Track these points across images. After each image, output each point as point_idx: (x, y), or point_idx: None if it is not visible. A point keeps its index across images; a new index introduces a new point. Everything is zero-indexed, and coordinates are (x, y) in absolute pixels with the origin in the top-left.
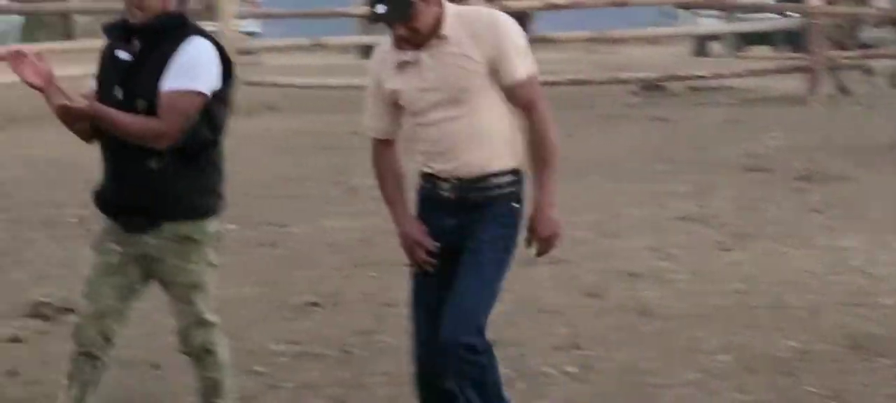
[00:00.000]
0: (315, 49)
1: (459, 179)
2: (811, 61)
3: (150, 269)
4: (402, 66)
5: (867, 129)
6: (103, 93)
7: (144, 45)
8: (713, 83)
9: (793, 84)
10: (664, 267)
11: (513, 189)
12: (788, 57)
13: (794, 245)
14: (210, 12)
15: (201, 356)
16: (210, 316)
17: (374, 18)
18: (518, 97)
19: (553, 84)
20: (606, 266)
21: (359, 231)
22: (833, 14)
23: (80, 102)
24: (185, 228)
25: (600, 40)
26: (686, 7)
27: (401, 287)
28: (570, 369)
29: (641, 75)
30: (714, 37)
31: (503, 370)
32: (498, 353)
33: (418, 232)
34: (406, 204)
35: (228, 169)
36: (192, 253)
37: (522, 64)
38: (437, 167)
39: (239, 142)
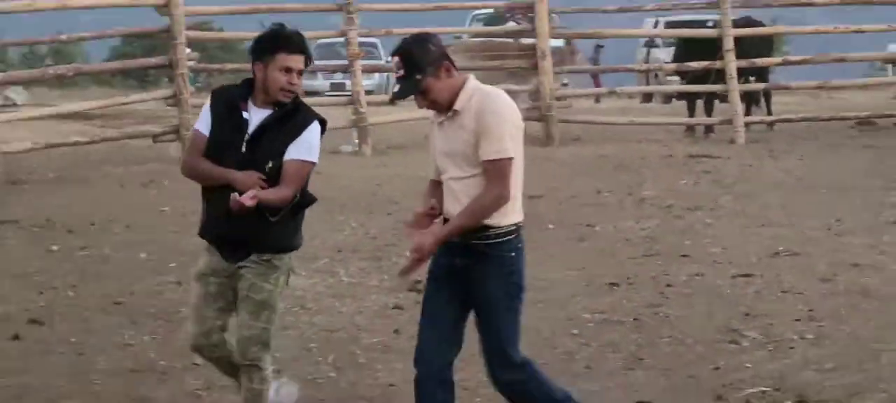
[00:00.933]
0: (610, 95)
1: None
2: None
3: (236, 287)
4: (436, 125)
5: None
6: (223, 148)
7: (277, 119)
8: None
9: None
10: (881, 260)
11: (509, 239)
12: None
13: None
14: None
15: (251, 369)
16: (269, 339)
17: (393, 96)
18: (485, 170)
19: (789, 121)
20: (834, 258)
21: (647, 230)
22: None
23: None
24: (271, 256)
25: (825, 88)
26: (893, 62)
27: (680, 272)
28: (808, 336)
29: (857, 114)
30: None
31: (756, 336)
32: (751, 325)
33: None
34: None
35: (551, 186)
36: (270, 276)
37: (497, 147)
38: (451, 215)
39: (555, 165)
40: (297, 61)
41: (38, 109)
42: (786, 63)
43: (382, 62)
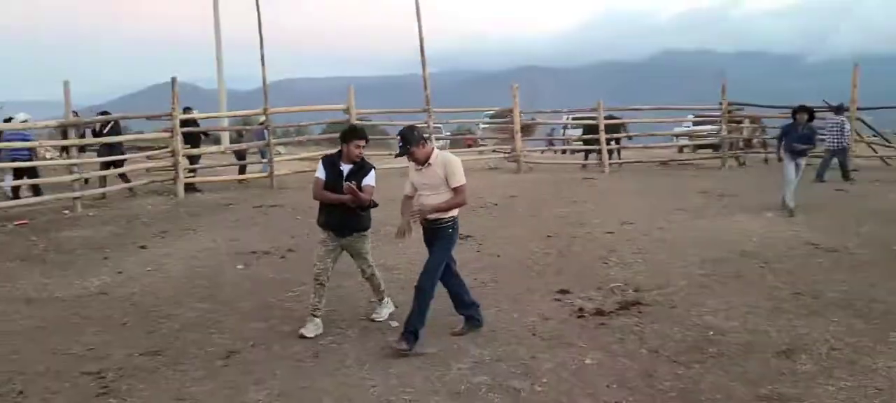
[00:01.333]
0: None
1: (428, 221)
2: None
3: (347, 249)
4: (417, 171)
5: None
6: (333, 184)
7: (354, 170)
8: None
9: None
10: (670, 226)
11: (450, 225)
12: None
13: None
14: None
15: (371, 278)
16: (371, 265)
17: (396, 155)
18: (453, 191)
19: (629, 162)
20: (650, 225)
21: (564, 212)
22: None
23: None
24: (363, 232)
25: (646, 147)
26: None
27: (579, 232)
28: (638, 261)
29: (661, 159)
30: None
31: (614, 260)
32: (612, 256)
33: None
34: (407, 214)
35: (520, 191)
36: (365, 242)
37: (459, 177)
38: (426, 204)
39: (522, 182)
40: (359, 143)
41: (289, 155)
42: (628, 136)
43: (444, 134)
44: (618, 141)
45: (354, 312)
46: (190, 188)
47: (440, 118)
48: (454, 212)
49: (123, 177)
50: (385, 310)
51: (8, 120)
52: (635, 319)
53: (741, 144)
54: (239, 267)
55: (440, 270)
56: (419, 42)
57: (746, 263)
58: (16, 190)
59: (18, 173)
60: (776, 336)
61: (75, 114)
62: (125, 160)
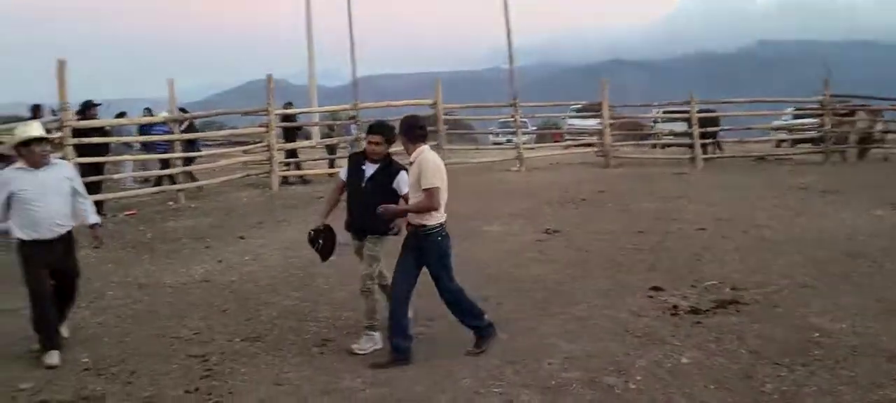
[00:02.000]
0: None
1: (413, 225)
2: None
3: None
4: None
5: None
6: (354, 181)
7: (380, 169)
8: None
9: None
10: (771, 223)
11: (437, 232)
12: None
13: None
14: None
15: (367, 293)
16: (373, 277)
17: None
18: (423, 192)
19: (723, 157)
20: (749, 222)
21: (655, 207)
22: None
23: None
24: (379, 235)
25: (740, 142)
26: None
27: (671, 227)
28: (735, 257)
29: (756, 154)
30: None
31: (709, 257)
32: (706, 252)
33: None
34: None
35: (608, 186)
36: (377, 245)
37: (428, 180)
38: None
39: (611, 176)
40: (372, 138)
41: None
42: (722, 130)
43: (530, 128)
44: (715, 135)
45: (441, 305)
46: (291, 180)
47: (526, 112)
48: (440, 218)
49: (191, 175)
50: (368, 344)
51: (121, 115)
52: (734, 318)
53: (854, 139)
54: (332, 257)
55: (449, 274)
56: (506, 36)
57: (854, 263)
58: (159, 179)
59: (164, 164)
60: (888, 340)
61: (149, 111)
62: (195, 158)
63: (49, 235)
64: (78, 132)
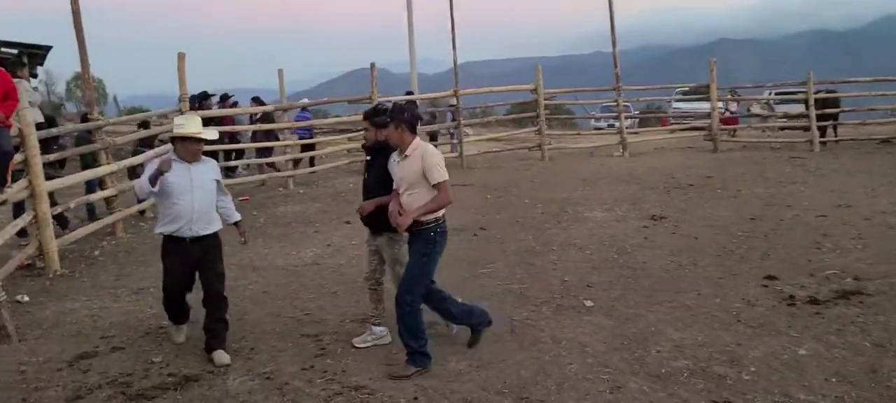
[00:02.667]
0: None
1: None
2: None
3: (382, 252)
4: (397, 162)
5: None
6: (364, 177)
7: (374, 156)
8: None
9: None
10: None
11: (433, 227)
12: None
13: None
14: None
15: (375, 288)
16: (399, 271)
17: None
18: (434, 188)
19: (841, 140)
20: (871, 209)
21: (768, 193)
22: None
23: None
24: (389, 234)
25: (863, 123)
26: None
27: (786, 214)
28: (857, 247)
29: (880, 137)
30: None
31: (829, 246)
32: (825, 241)
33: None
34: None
35: (718, 171)
36: (395, 244)
37: (438, 174)
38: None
39: (720, 161)
40: (367, 125)
41: (476, 136)
42: (843, 111)
43: (632, 113)
44: (835, 117)
45: (548, 290)
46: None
47: (629, 96)
48: (439, 213)
49: (272, 165)
50: (370, 338)
51: (224, 97)
52: (856, 310)
53: None
54: None
55: (422, 280)
56: (609, 19)
57: None
58: (296, 162)
59: (305, 149)
60: None
61: (258, 101)
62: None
63: (188, 233)
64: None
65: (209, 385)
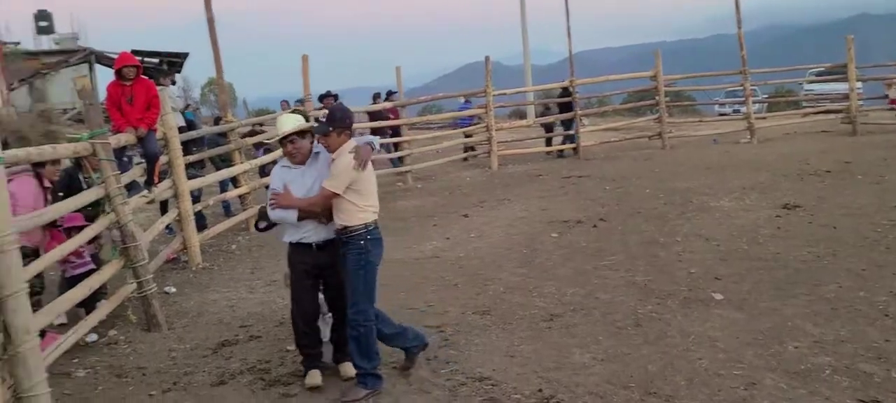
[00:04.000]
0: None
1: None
2: None
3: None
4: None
5: None
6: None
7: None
8: None
9: None
10: None
11: (361, 233)
12: None
13: None
14: None
15: None
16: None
17: (315, 130)
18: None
19: None
20: None
21: None
22: None
23: None
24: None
25: None
26: None
27: None
28: None
29: None
30: None
31: None
32: None
33: None
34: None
35: (856, 157)
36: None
37: (333, 182)
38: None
39: (859, 144)
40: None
41: (593, 126)
42: None
43: (760, 97)
44: None
45: (674, 282)
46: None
47: (756, 79)
48: (365, 218)
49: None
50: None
51: (325, 96)
52: None
53: None
54: (553, 235)
55: (367, 294)
56: None
57: None
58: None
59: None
60: None
61: (385, 96)
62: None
63: (314, 238)
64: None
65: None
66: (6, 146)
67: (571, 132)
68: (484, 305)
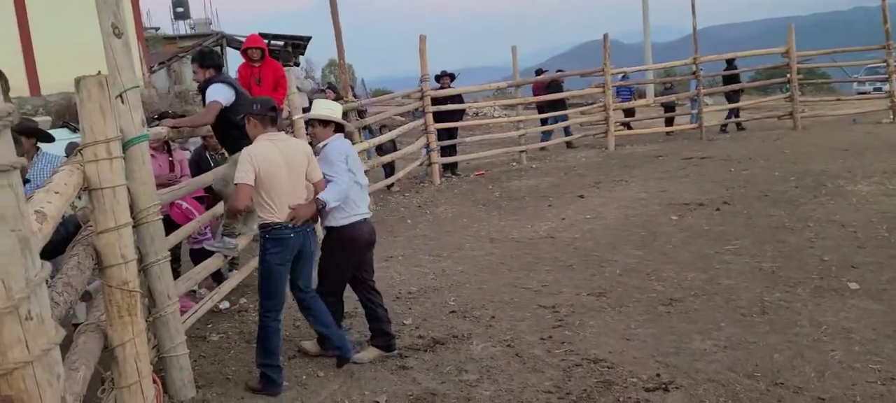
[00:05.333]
0: None
1: None
2: None
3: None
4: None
5: None
6: None
7: None
8: None
9: None
10: None
11: (265, 232)
12: None
13: None
14: None
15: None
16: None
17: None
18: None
19: None
20: None
21: None
22: None
23: None
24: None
25: None
26: None
27: None
28: None
29: None
30: None
31: None
32: None
33: None
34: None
35: None
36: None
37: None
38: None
39: None
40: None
41: (717, 106)
42: None
43: None
44: None
45: (804, 270)
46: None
47: None
48: (272, 215)
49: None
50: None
51: (441, 75)
52: None
53: None
54: (672, 217)
55: (268, 287)
56: None
57: None
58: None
59: (628, 113)
60: None
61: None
62: (566, 116)
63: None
64: (435, 101)
65: (455, 349)
66: (150, 123)
67: (737, 105)
68: (599, 287)
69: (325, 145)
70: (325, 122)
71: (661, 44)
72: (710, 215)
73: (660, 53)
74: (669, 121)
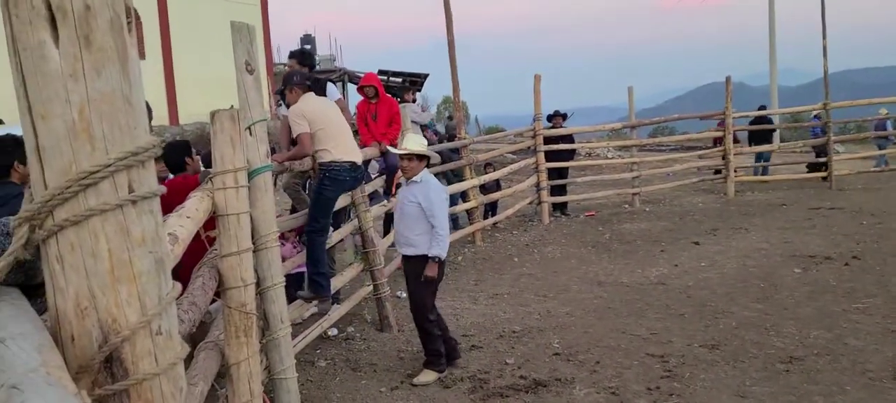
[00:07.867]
0: None
1: None
2: None
3: None
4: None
5: None
6: None
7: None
8: None
9: None
10: None
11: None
12: None
13: None
14: None
15: None
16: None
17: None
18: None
19: None
20: None
21: None
22: None
23: None
24: None
25: None
26: None
27: None
28: None
29: None
30: None
31: None
32: None
33: None
34: None
35: None
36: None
37: (293, 128)
38: None
39: None
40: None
41: (848, 154)
42: None
43: None
44: None
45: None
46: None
47: None
48: (332, 156)
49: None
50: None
51: (553, 115)
52: None
53: None
54: (796, 270)
55: (322, 215)
56: None
57: None
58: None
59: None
60: None
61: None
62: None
63: (407, 251)
64: (547, 140)
65: (557, 392)
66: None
67: (883, 152)
68: (713, 339)
69: (420, 180)
70: (420, 157)
71: (791, 87)
72: (839, 270)
73: (788, 97)
74: (818, 167)
